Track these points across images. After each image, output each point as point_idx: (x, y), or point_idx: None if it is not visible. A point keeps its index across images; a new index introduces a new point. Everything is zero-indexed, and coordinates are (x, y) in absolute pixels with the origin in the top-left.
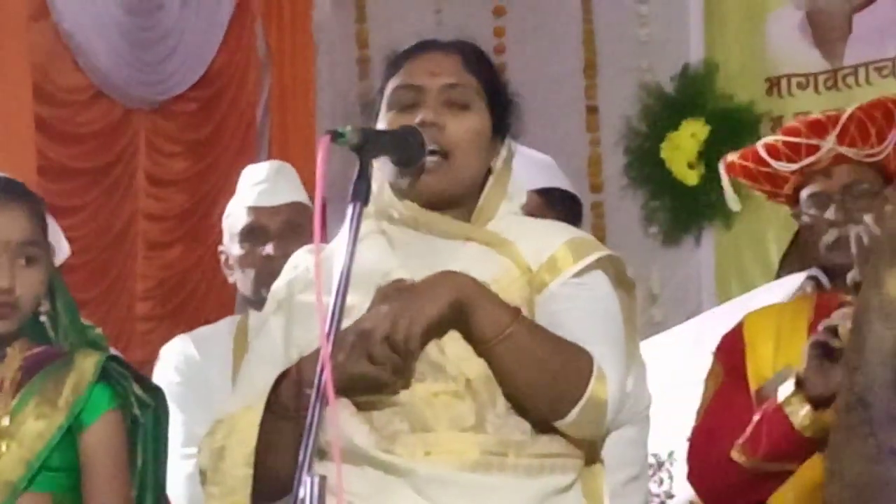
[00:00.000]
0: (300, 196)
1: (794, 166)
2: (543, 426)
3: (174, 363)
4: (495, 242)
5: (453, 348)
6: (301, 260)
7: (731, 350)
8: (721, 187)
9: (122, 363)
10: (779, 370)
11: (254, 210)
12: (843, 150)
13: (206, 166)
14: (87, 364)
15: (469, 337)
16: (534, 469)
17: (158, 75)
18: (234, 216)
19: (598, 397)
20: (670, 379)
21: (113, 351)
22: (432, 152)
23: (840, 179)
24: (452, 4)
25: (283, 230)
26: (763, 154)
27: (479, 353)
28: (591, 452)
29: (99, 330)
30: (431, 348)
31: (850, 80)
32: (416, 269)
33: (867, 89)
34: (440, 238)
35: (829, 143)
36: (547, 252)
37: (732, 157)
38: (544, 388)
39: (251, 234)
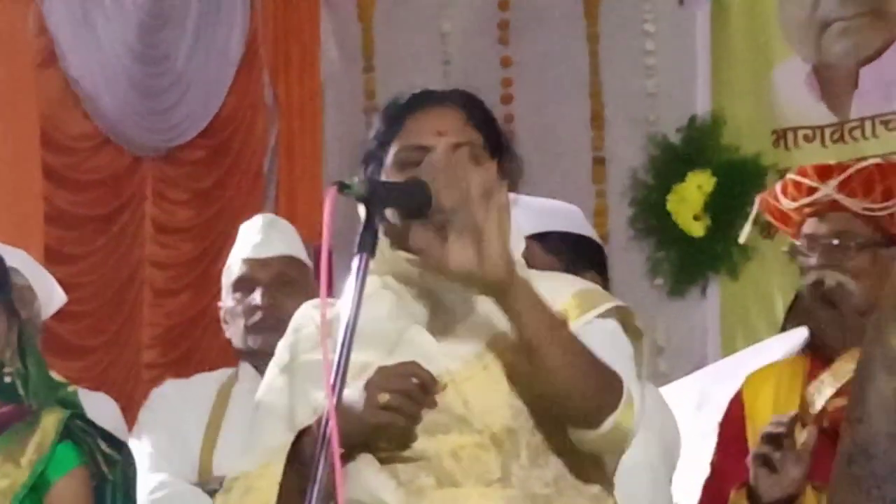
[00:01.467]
0: (292, 250)
1: (793, 205)
2: (566, 480)
3: (154, 400)
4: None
5: (477, 400)
6: (306, 319)
7: (732, 417)
8: (728, 238)
9: (87, 420)
10: None
11: (246, 262)
12: (840, 198)
13: (213, 214)
14: (51, 422)
15: (520, 329)
16: None
17: (166, 123)
18: (230, 269)
19: (625, 425)
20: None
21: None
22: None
23: (832, 226)
24: (460, 55)
25: (272, 282)
26: (778, 189)
27: (526, 351)
28: (602, 488)
29: (73, 388)
30: (455, 401)
31: (857, 133)
32: (430, 325)
33: (873, 142)
34: (447, 291)
35: (827, 189)
36: (560, 302)
37: (765, 192)
38: (586, 392)
39: (242, 285)
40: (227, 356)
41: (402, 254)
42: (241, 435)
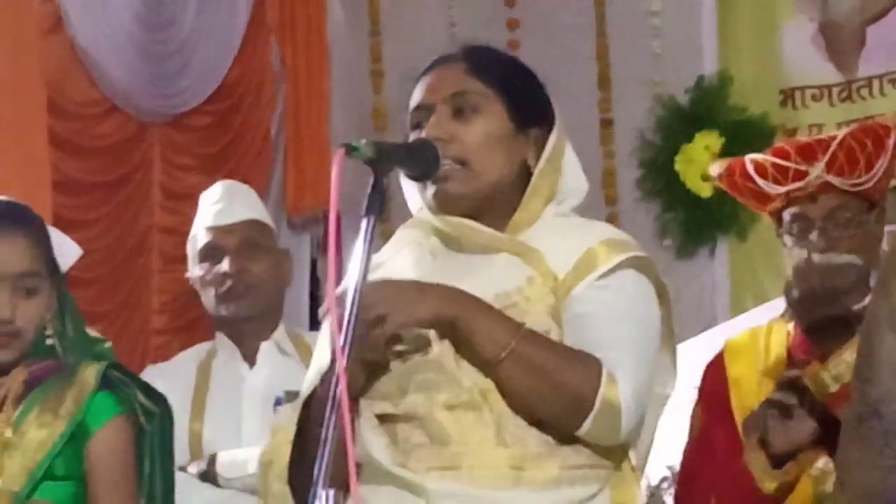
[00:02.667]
0: (256, 214)
1: (782, 189)
2: (566, 437)
3: None
4: (521, 252)
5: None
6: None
7: (712, 384)
8: (735, 200)
9: (125, 371)
10: (763, 398)
11: (210, 230)
12: (831, 178)
13: (221, 179)
14: (89, 373)
15: (472, 358)
16: (551, 482)
17: (173, 89)
18: (194, 238)
19: (611, 403)
20: (685, 392)
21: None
22: (447, 161)
23: (824, 206)
24: (466, 17)
25: (239, 248)
26: (751, 170)
27: (486, 374)
28: (620, 457)
29: (109, 344)
30: (448, 358)
31: (864, 91)
32: (444, 282)
33: (881, 101)
34: (469, 252)
35: (817, 171)
36: (575, 256)
37: (719, 167)
38: (554, 401)
39: (209, 254)
40: None
41: (417, 211)
42: (227, 408)
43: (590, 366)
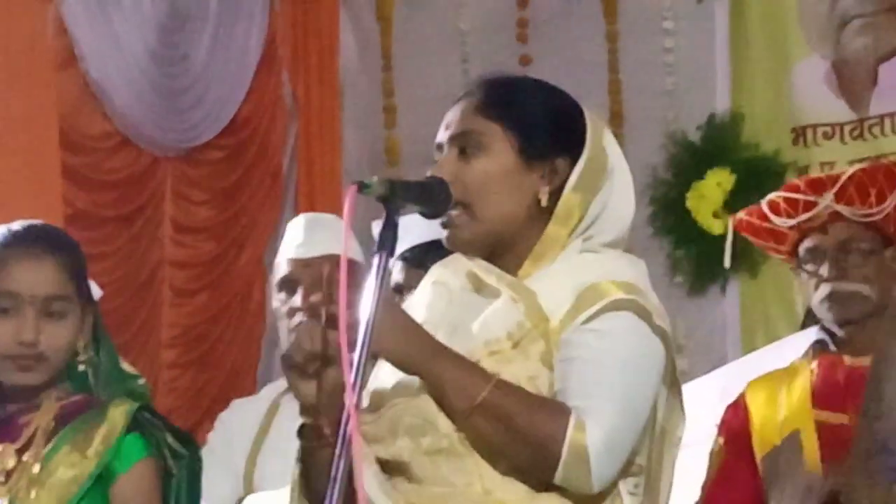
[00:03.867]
0: (337, 248)
1: (792, 222)
2: (549, 485)
3: (215, 426)
4: (518, 294)
5: None
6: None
7: (734, 422)
8: (746, 237)
9: (155, 413)
10: (785, 435)
11: (290, 262)
12: (840, 208)
13: (233, 214)
14: (119, 413)
15: (445, 409)
16: None
17: (185, 123)
18: (277, 268)
19: (578, 451)
20: (696, 430)
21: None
22: (455, 205)
23: (836, 236)
24: (478, 53)
25: (314, 282)
26: (766, 210)
27: (458, 426)
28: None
29: (143, 381)
30: (429, 403)
31: (876, 129)
32: (438, 325)
33: (893, 139)
34: (485, 295)
35: (825, 201)
36: (570, 299)
37: (741, 214)
38: (524, 452)
39: (286, 286)
40: (247, 356)
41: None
42: (282, 448)
43: (558, 415)
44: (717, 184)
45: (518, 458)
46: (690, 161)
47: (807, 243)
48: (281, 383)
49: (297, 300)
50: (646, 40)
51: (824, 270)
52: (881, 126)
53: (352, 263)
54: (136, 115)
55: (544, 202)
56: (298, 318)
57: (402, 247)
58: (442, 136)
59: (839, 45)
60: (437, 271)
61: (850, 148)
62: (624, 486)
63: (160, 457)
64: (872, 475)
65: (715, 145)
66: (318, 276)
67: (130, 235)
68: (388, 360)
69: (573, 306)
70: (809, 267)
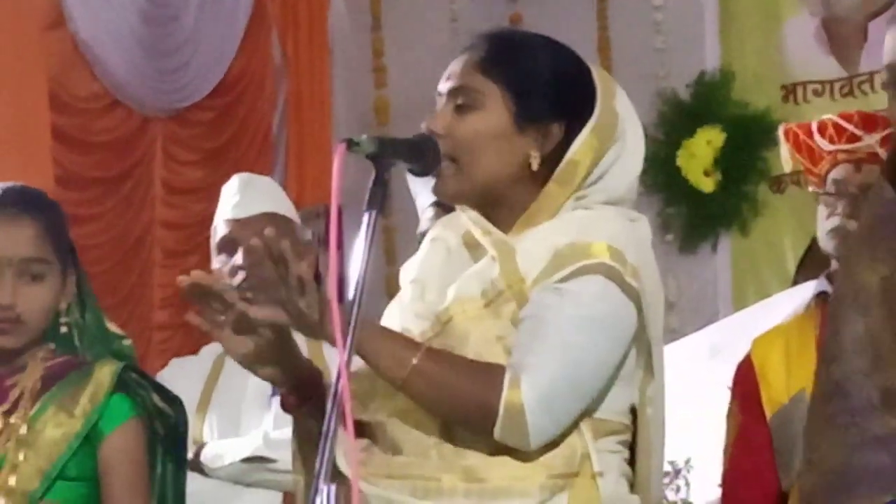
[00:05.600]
0: (273, 206)
1: (832, 147)
2: (507, 446)
3: None
4: (498, 253)
5: None
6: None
7: (744, 382)
8: (738, 194)
9: (141, 373)
10: (793, 394)
11: (227, 223)
12: (881, 151)
13: (223, 174)
14: (105, 373)
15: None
16: (487, 493)
17: (175, 84)
18: (215, 230)
19: (514, 404)
20: (686, 386)
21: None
22: (445, 157)
23: (865, 177)
24: (468, 12)
25: (251, 243)
26: (813, 127)
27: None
28: (568, 465)
29: (128, 341)
30: None
31: (866, 87)
32: (428, 282)
33: (883, 96)
34: (475, 250)
35: (870, 140)
36: (543, 261)
37: (791, 124)
38: (462, 413)
39: (226, 247)
40: None
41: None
42: (231, 399)
43: (493, 373)
44: (707, 142)
45: (458, 419)
46: (680, 119)
47: (835, 173)
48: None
49: (239, 259)
50: None
51: (841, 205)
52: (871, 83)
53: (286, 221)
54: (125, 75)
55: (534, 166)
56: (240, 276)
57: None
58: (442, 85)
59: (829, 2)
60: (437, 228)
61: (839, 105)
62: (603, 445)
63: (146, 416)
64: (830, 418)
65: (705, 103)
66: (255, 234)
67: (120, 197)
68: (326, 341)
69: (546, 267)
70: (830, 197)
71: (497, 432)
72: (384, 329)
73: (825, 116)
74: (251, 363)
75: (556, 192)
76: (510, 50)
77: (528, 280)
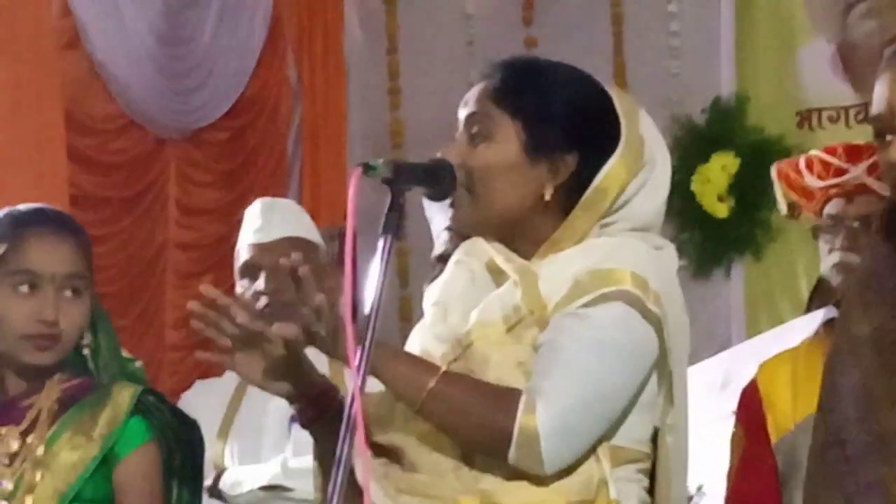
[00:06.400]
0: (295, 230)
1: (821, 184)
2: (525, 472)
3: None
4: (521, 278)
5: None
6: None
7: (749, 407)
8: (752, 220)
9: (159, 396)
10: (799, 421)
11: (250, 247)
12: (870, 181)
13: (238, 196)
14: (124, 396)
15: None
16: None
17: (190, 105)
18: (238, 255)
19: (528, 431)
20: (699, 413)
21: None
22: (461, 188)
23: (859, 208)
24: (484, 36)
25: (275, 266)
26: (802, 165)
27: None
28: (583, 492)
29: (139, 364)
30: None
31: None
32: (451, 304)
33: None
34: (497, 276)
35: (857, 171)
36: (565, 286)
37: (781, 163)
38: (478, 436)
39: (248, 272)
40: None
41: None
42: (252, 425)
43: (509, 398)
44: (721, 167)
45: (474, 442)
46: (695, 144)
47: (829, 208)
48: None
49: (261, 284)
50: (651, 23)
51: (839, 240)
52: None
53: (308, 244)
54: (141, 96)
55: (547, 197)
56: (263, 301)
57: (448, 218)
58: (460, 112)
59: (845, 29)
60: (461, 252)
61: (855, 132)
62: (622, 473)
63: (163, 440)
64: (828, 467)
65: (720, 129)
66: (277, 259)
67: (135, 217)
68: (343, 362)
69: (567, 293)
70: (828, 233)
71: (511, 457)
72: (401, 352)
73: (811, 152)
74: (262, 380)
75: (582, 218)
76: (524, 80)
77: (549, 305)
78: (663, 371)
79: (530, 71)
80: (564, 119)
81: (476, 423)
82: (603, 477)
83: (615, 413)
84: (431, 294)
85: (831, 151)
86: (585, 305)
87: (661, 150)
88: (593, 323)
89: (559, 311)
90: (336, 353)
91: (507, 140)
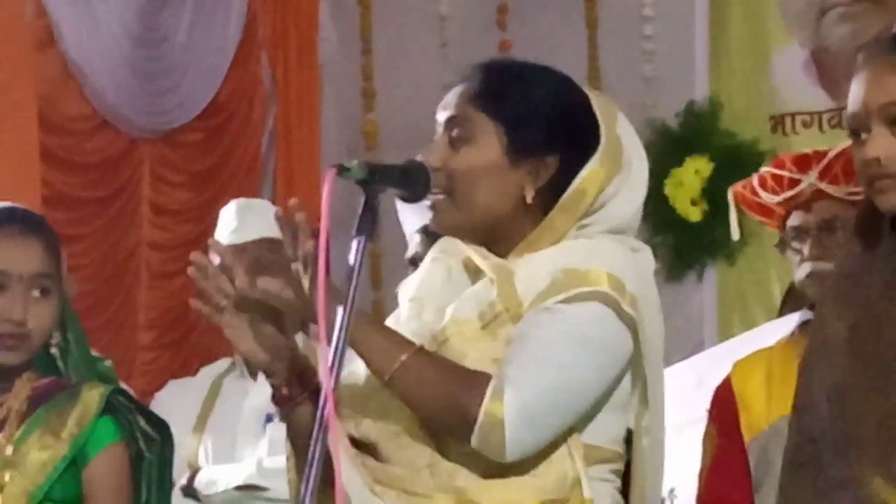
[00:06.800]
0: (270, 231)
1: (777, 199)
2: (504, 468)
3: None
4: (496, 276)
5: None
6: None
7: (723, 406)
8: (725, 224)
9: (129, 396)
10: (773, 421)
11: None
12: (824, 186)
13: (211, 197)
14: (93, 396)
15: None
16: None
17: (164, 105)
18: (212, 258)
19: (493, 416)
20: (672, 416)
21: (121, 384)
22: (437, 190)
23: (820, 214)
24: (458, 39)
25: (249, 267)
26: (755, 183)
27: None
28: (558, 490)
29: (108, 363)
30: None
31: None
32: (426, 301)
33: None
34: (465, 271)
35: (809, 179)
36: (543, 283)
37: (738, 185)
38: (443, 415)
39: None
40: (224, 339)
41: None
42: (226, 423)
43: (478, 381)
44: (695, 171)
45: (438, 421)
46: (669, 148)
47: (791, 221)
48: (219, 365)
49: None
50: (626, 27)
51: (806, 249)
52: None
53: (275, 243)
54: (114, 96)
55: (528, 199)
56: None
57: (422, 220)
58: (439, 115)
59: (819, 34)
60: (437, 248)
61: (828, 137)
62: (595, 472)
63: (132, 440)
64: (801, 467)
65: (693, 133)
66: (252, 260)
67: (108, 217)
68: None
69: (543, 290)
70: (794, 244)
71: (474, 441)
72: (379, 323)
73: (762, 169)
74: (248, 347)
75: (560, 219)
76: (505, 83)
77: (525, 303)
78: (637, 373)
79: (510, 73)
80: (546, 121)
81: (443, 402)
82: (577, 475)
83: (582, 407)
84: (408, 290)
85: (780, 165)
86: (561, 302)
87: (639, 153)
88: (567, 318)
89: (534, 308)
90: (309, 317)
91: (489, 143)
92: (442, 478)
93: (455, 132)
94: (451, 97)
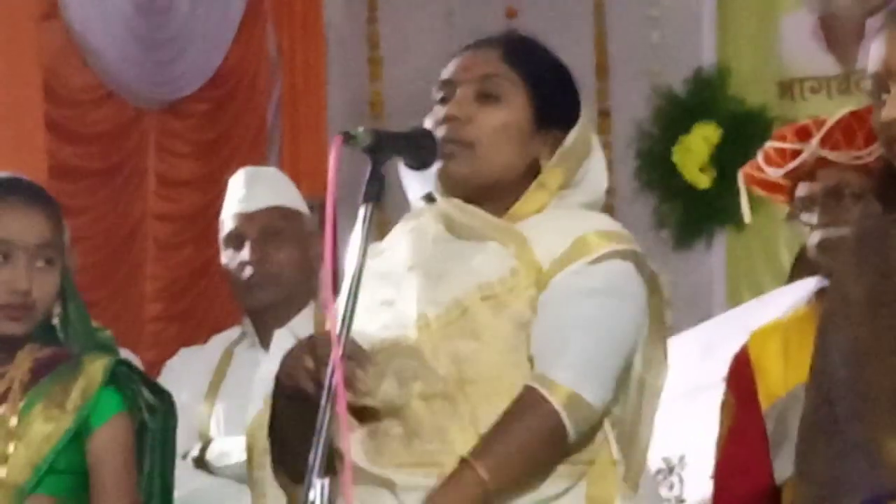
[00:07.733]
0: (279, 200)
1: (780, 171)
2: None
3: (162, 374)
4: (509, 240)
5: (445, 348)
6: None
7: (740, 375)
8: (733, 191)
9: (132, 367)
10: (790, 388)
11: (234, 217)
12: (826, 153)
13: (217, 167)
14: (97, 368)
15: None
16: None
17: (169, 75)
18: (222, 225)
19: (568, 400)
20: (681, 383)
21: (124, 353)
22: (454, 142)
23: (824, 182)
24: (464, 6)
25: (259, 235)
26: (760, 159)
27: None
28: (590, 452)
29: (109, 332)
30: (426, 346)
31: (864, 83)
32: (432, 269)
33: None
34: (466, 238)
35: (811, 148)
36: (564, 246)
37: (746, 167)
38: (546, 454)
39: (233, 241)
40: (231, 309)
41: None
42: (238, 394)
43: (535, 407)
44: (703, 138)
45: (549, 463)
46: (676, 115)
47: (798, 191)
48: (230, 333)
49: (245, 254)
50: None
51: (815, 218)
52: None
53: (293, 213)
54: (119, 67)
55: (544, 168)
56: (248, 271)
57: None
58: (458, 74)
59: None
60: (411, 220)
61: (836, 102)
62: (611, 433)
63: (136, 411)
64: (817, 428)
65: (701, 99)
66: (261, 227)
67: (114, 188)
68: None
69: (567, 252)
70: (804, 216)
71: (572, 433)
72: (433, 493)
73: (766, 145)
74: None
75: (539, 194)
76: (529, 51)
77: (544, 265)
78: (658, 332)
79: (529, 43)
80: (568, 95)
81: (533, 450)
82: (605, 436)
83: (628, 347)
84: (399, 262)
85: (781, 137)
86: (593, 263)
87: (596, 140)
88: (594, 283)
89: (563, 272)
90: None
91: (520, 105)
92: (472, 444)
93: (488, 89)
94: (473, 59)
